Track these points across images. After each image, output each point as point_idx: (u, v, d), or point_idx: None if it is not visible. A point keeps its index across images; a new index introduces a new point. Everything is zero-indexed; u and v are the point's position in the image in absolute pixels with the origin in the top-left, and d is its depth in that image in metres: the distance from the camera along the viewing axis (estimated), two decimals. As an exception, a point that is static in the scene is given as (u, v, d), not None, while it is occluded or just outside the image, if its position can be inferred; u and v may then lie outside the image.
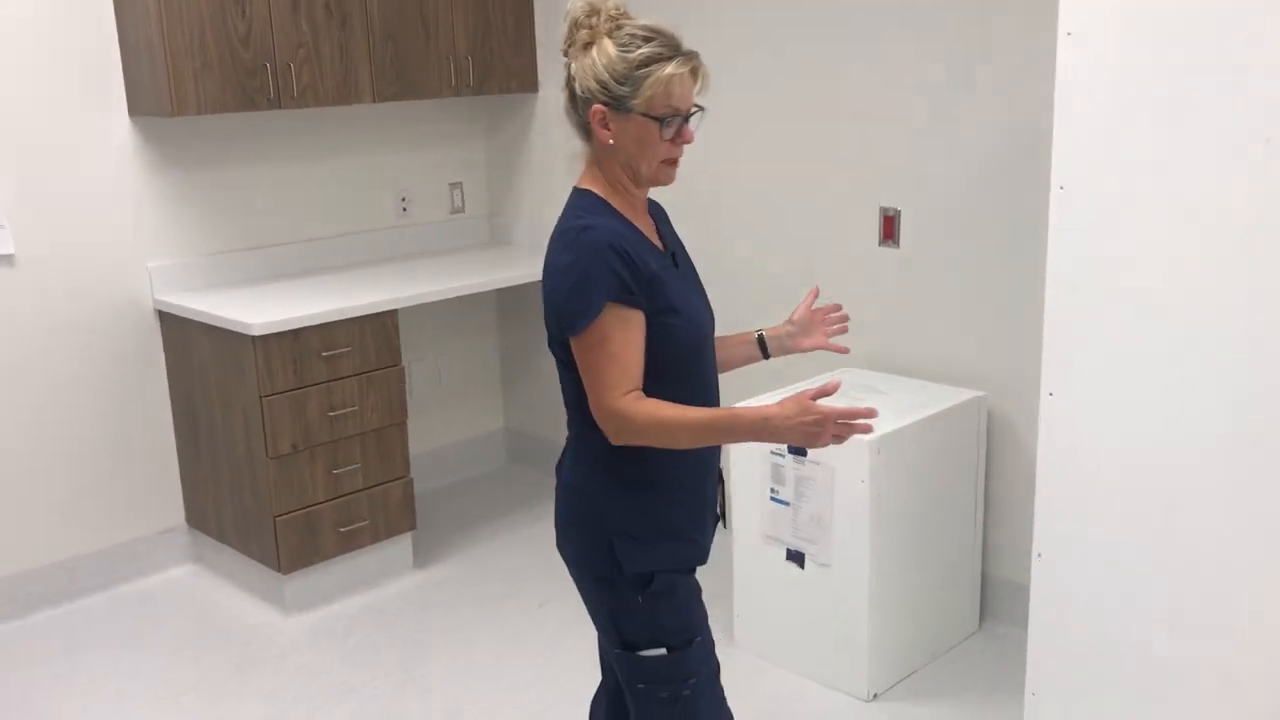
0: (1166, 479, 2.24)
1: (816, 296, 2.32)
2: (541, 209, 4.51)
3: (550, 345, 1.95)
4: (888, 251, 3.48)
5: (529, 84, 4.38)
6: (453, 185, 4.62)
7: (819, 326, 2.31)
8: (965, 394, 3.27)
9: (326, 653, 3.44)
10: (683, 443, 1.88)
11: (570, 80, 1.89)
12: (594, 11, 1.85)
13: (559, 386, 2.00)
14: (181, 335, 3.79)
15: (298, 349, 3.52)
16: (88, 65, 3.61)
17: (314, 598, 3.71)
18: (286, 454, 3.55)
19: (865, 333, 3.58)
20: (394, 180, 4.44)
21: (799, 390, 2.19)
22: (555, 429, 4.68)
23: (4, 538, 3.64)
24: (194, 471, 3.92)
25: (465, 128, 4.62)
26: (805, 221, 3.67)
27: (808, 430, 1.79)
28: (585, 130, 1.92)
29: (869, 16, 3.38)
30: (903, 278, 3.46)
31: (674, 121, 1.89)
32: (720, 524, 2.17)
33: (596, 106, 1.86)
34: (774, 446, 3.12)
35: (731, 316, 4.05)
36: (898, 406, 3.16)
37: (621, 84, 1.84)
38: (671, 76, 1.86)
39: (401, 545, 3.93)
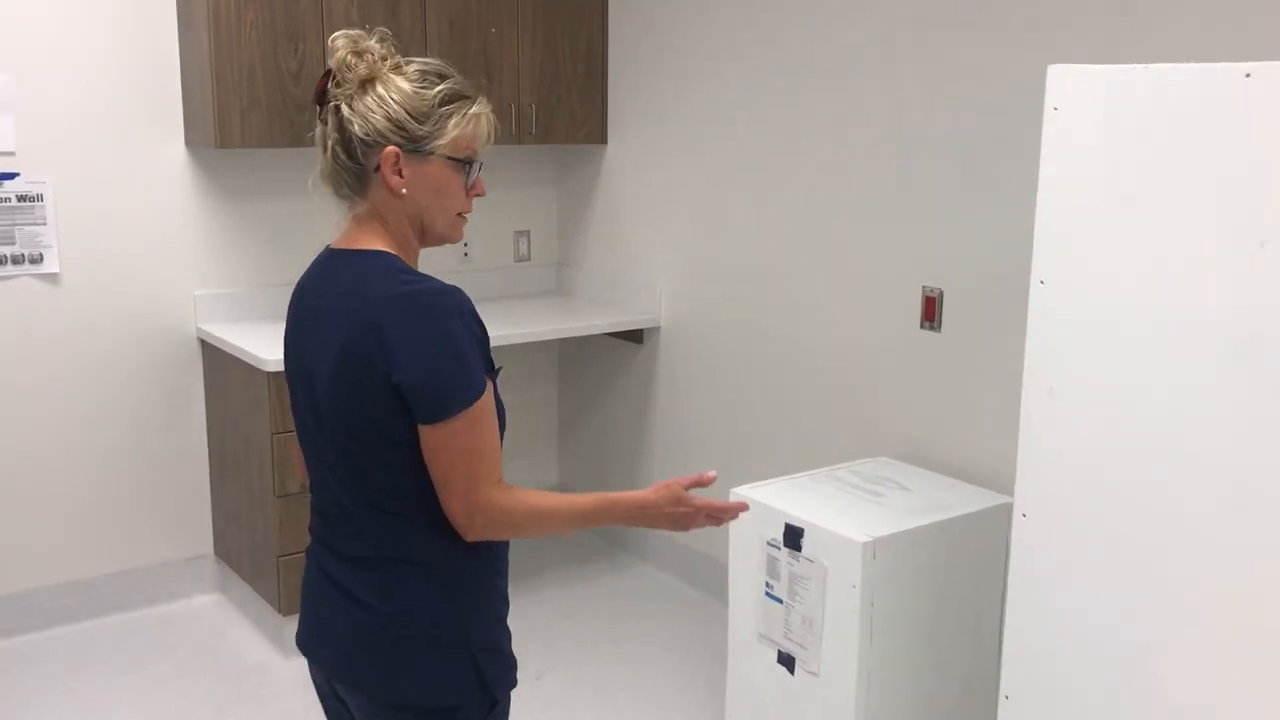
0: (1150, 623, 1.91)
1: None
2: (607, 261, 4.39)
3: (354, 439, 1.62)
4: (928, 335, 3.20)
5: (597, 135, 4.27)
6: (519, 233, 4.54)
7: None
8: (992, 498, 2.95)
9: (314, 702, 3.35)
10: (550, 533, 1.69)
11: (343, 124, 1.63)
12: (361, 51, 1.64)
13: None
14: (218, 365, 3.81)
15: (316, 389, 3.48)
16: (149, 93, 3.70)
17: (315, 643, 3.63)
18: (294, 494, 3.50)
19: (898, 421, 3.29)
20: (455, 224, 4.39)
21: (672, 478, 1.98)
22: (606, 486, 4.53)
23: (35, 551, 3.71)
24: (223, 502, 3.93)
25: (534, 175, 4.55)
26: (843, 297, 3.42)
27: (678, 518, 1.73)
28: (359, 181, 1.67)
29: (916, 88, 3.13)
30: (941, 364, 3.17)
31: (473, 168, 1.70)
32: None
33: (390, 149, 1.63)
34: (771, 537, 2.88)
35: (764, 396, 3.85)
36: (913, 506, 2.88)
37: (421, 123, 1.63)
38: (479, 116, 1.69)
39: (413, 597, 3.82)
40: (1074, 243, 1.95)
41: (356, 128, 1.63)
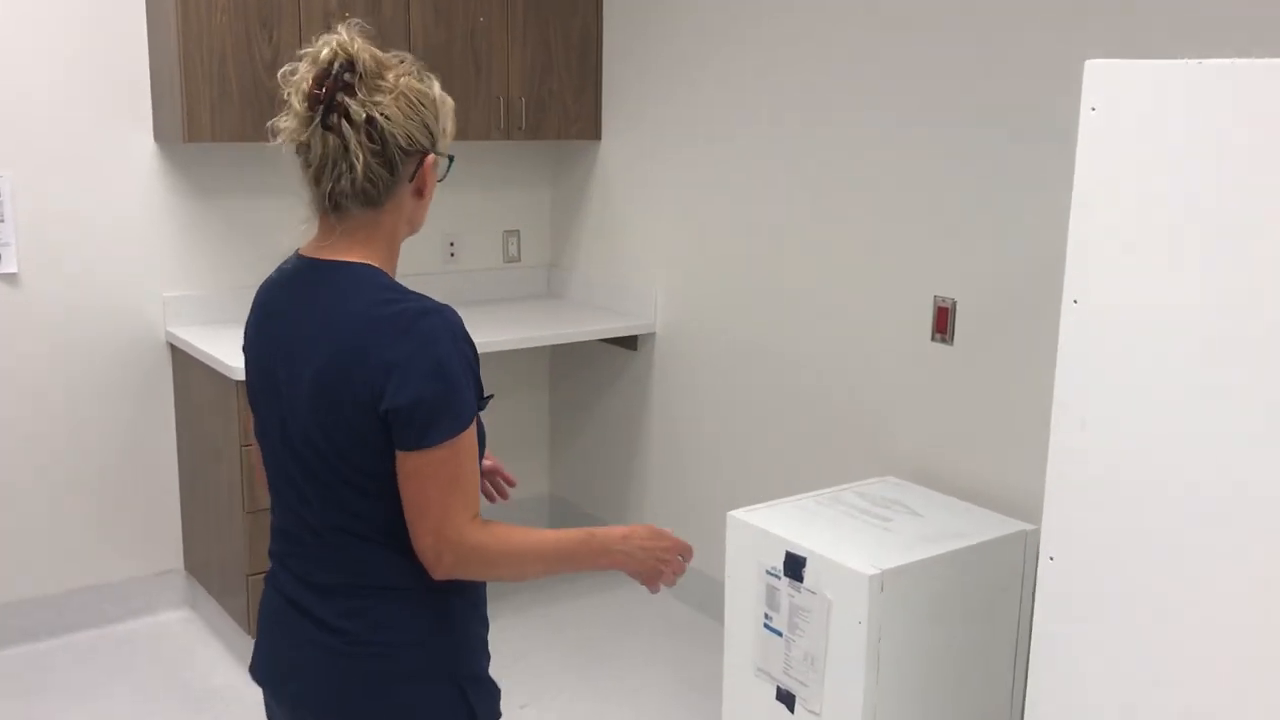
0: (1190, 685, 1.71)
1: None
2: (600, 263, 4.18)
3: (327, 461, 1.50)
4: (939, 348, 3.00)
5: (591, 131, 4.07)
6: (509, 233, 4.34)
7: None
8: (1008, 525, 2.75)
9: (282, 731, 3.16)
10: (527, 576, 1.57)
11: (381, 133, 1.48)
12: (368, 47, 1.50)
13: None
14: (188, 371, 3.61)
15: (288, 398, 3.27)
16: (116, 83, 3.49)
17: (286, 666, 3.43)
18: (264, 510, 3.30)
19: (907, 439, 3.09)
20: (442, 224, 4.19)
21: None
22: (603, 503, 4.33)
23: (-12, 565, 3.51)
24: (193, 514, 3.73)
25: (524, 173, 4.34)
26: (849, 306, 3.21)
27: (658, 557, 1.65)
28: (384, 193, 1.52)
29: (929, 83, 2.93)
30: (953, 379, 2.97)
31: (451, 161, 1.62)
32: None
33: (430, 156, 1.55)
34: (770, 565, 2.68)
35: (765, 409, 3.65)
36: (924, 533, 2.68)
37: (436, 122, 1.55)
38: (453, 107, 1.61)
39: (392, 618, 3.62)
40: (1112, 258, 1.74)
41: (399, 136, 1.50)
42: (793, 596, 2.63)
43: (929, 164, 2.97)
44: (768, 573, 2.69)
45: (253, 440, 1.76)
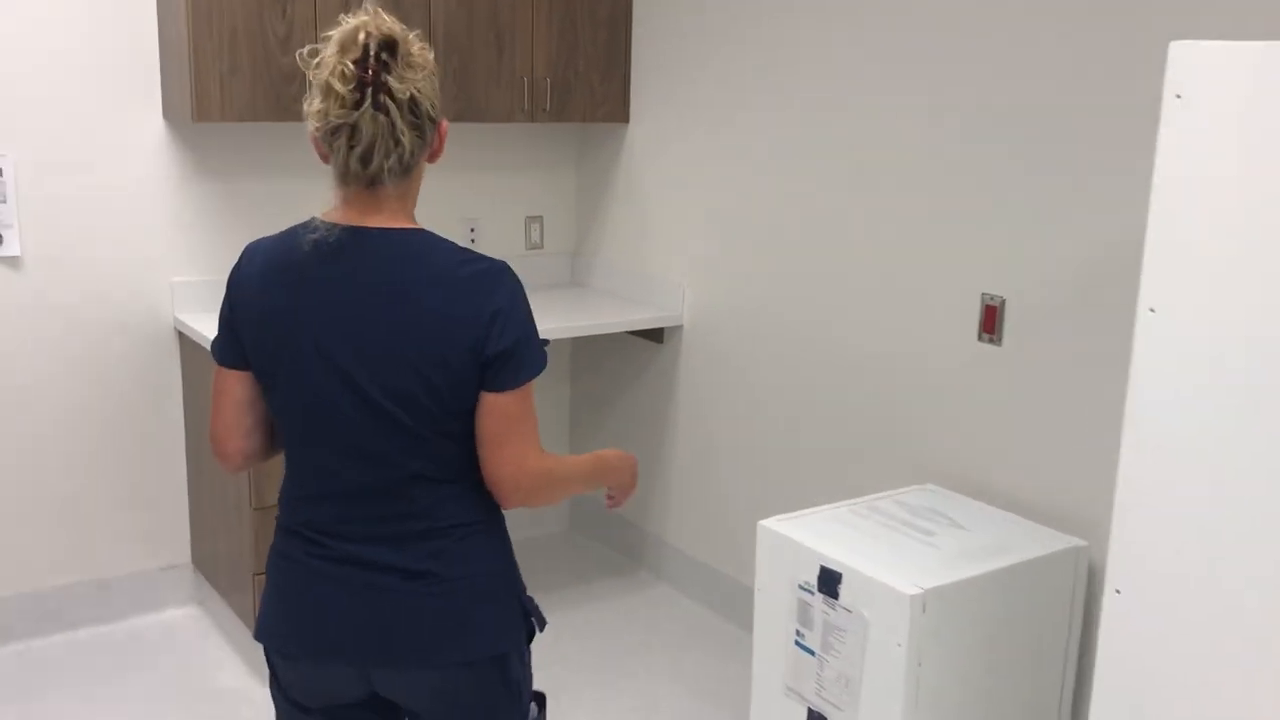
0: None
1: None
2: (626, 251, 4.01)
3: (418, 413, 1.62)
4: (987, 348, 2.82)
5: (619, 113, 3.89)
6: (531, 219, 4.17)
7: None
8: (1059, 540, 2.57)
9: (289, 738, 3.02)
10: (568, 494, 1.79)
11: (418, 105, 1.58)
12: (391, 38, 1.57)
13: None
14: (196, 359, 3.47)
15: (298, 391, 3.13)
16: (124, 59, 3.34)
17: (295, 669, 3.30)
18: (272, 505, 3.15)
19: (949, 444, 2.92)
20: (459, 208, 4.03)
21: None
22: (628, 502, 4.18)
23: (-10, 558, 3.39)
24: (201, 507, 3.60)
25: (548, 156, 4.17)
26: (890, 301, 3.03)
27: (632, 473, 1.92)
28: (417, 160, 1.63)
29: (979, 60, 2.74)
30: (1001, 381, 2.79)
31: None
32: None
33: (444, 121, 1.66)
34: (803, 580, 2.51)
35: (797, 409, 3.48)
36: (969, 548, 2.51)
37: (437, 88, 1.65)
38: None
39: (405, 619, 3.49)
40: (1196, 263, 1.56)
41: (431, 108, 1.60)
42: (827, 614, 2.47)
43: (978, 151, 2.78)
44: (800, 587, 2.53)
45: (245, 420, 1.74)
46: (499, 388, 1.62)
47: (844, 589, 2.42)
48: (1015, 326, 2.74)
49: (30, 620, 3.46)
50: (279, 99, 3.26)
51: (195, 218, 3.53)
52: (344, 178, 1.61)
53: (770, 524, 2.62)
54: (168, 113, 3.40)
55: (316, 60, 1.57)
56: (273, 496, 3.12)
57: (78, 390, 3.43)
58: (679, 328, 3.78)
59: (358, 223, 1.63)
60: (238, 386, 1.71)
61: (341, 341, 1.60)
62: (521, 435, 1.64)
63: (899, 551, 2.48)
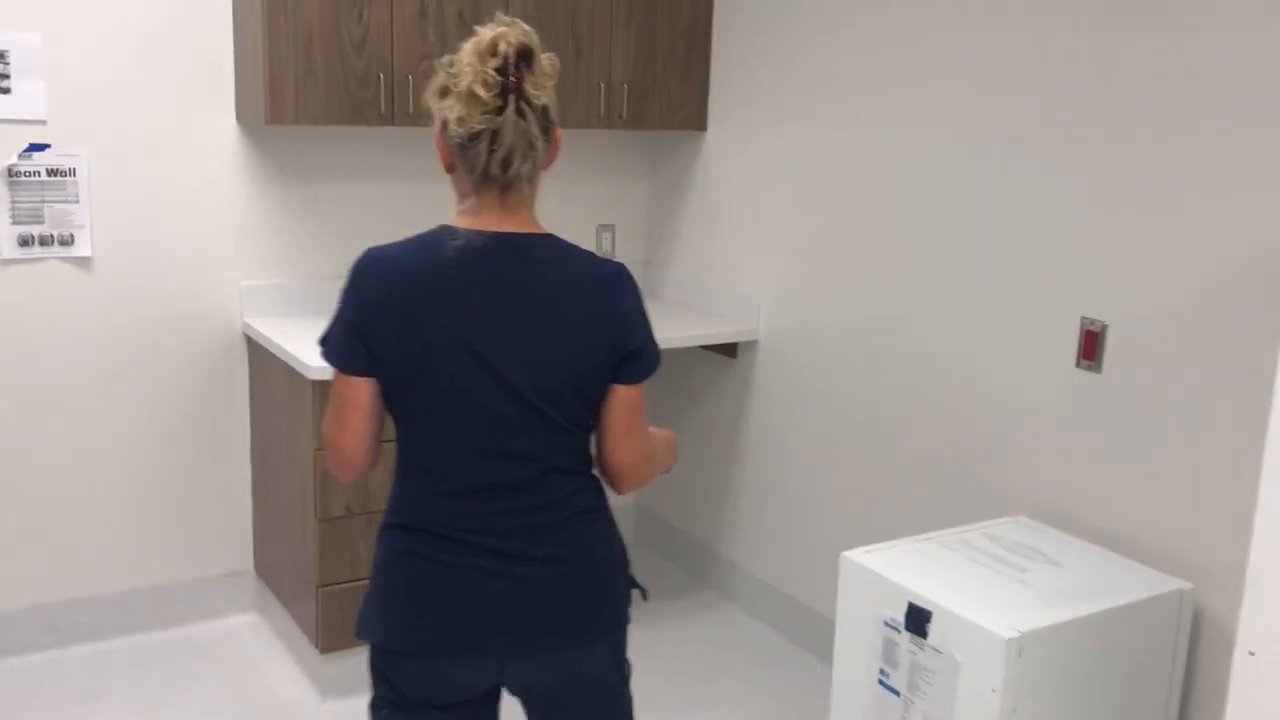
0: None
1: None
2: (700, 263, 3.91)
3: (563, 408, 1.72)
4: (1086, 376, 2.67)
5: (696, 121, 3.79)
6: (603, 227, 4.08)
7: None
8: (1163, 582, 2.43)
9: (348, 755, 2.96)
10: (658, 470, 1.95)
11: (546, 111, 1.68)
12: (529, 47, 1.68)
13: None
14: (263, 364, 3.42)
15: (366, 401, 3.06)
16: (199, 60, 3.30)
17: (355, 684, 3.23)
18: (339, 517, 3.10)
19: (1041, 475, 2.78)
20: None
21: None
22: (693, 519, 4.08)
23: (58, 562, 3.36)
24: (265, 515, 3.55)
25: (622, 164, 4.08)
26: (980, 323, 2.90)
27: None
28: (542, 162, 1.72)
29: (1084, 63, 2.60)
30: (1101, 411, 2.64)
31: None
32: None
33: (559, 128, 1.74)
34: (889, 616, 2.39)
35: (879, 432, 3.34)
36: (1066, 588, 2.37)
37: None
38: None
39: (467, 636, 3.41)
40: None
41: (555, 114, 1.70)
42: (914, 654, 2.35)
43: (1081, 162, 2.64)
44: (886, 624, 2.41)
45: (352, 428, 1.72)
46: (629, 381, 1.76)
47: (934, 628, 2.30)
48: (1118, 354, 2.60)
49: (92, 624, 3.43)
50: (353, 102, 3.20)
51: (266, 221, 3.48)
52: (483, 181, 1.68)
53: (854, 556, 2.50)
54: (241, 115, 3.35)
55: (454, 68, 1.66)
56: (338, 508, 3.07)
57: (143, 393, 3.39)
58: (754, 343, 3.67)
59: (500, 228, 1.70)
60: (365, 396, 1.71)
61: (494, 343, 1.67)
62: (642, 425, 1.81)
63: (991, 589, 2.35)
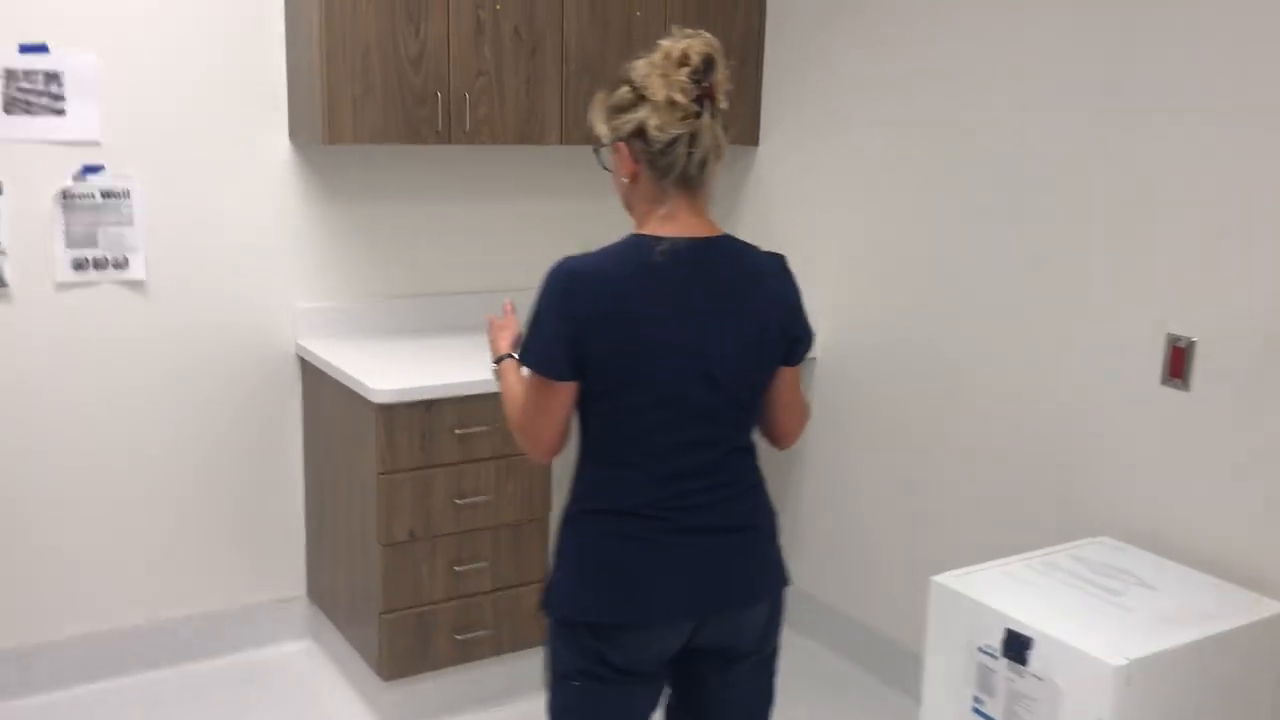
0: None
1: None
2: (748, 280, 3.85)
3: (753, 394, 1.93)
4: (1173, 394, 2.62)
5: (748, 135, 3.75)
6: (652, 242, 4.03)
7: None
8: (1265, 606, 2.37)
9: (415, 786, 2.90)
10: None
11: (725, 112, 1.84)
12: (714, 56, 1.84)
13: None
14: (318, 388, 3.37)
15: (428, 423, 3.01)
16: (252, 79, 3.25)
17: (418, 712, 3.17)
18: (402, 541, 3.04)
19: (1124, 494, 2.72)
20: (576, 231, 3.88)
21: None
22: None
23: (108, 590, 3.30)
24: (319, 539, 3.49)
25: (674, 178, 4.03)
26: (1055, 338, 2.85)
27: None
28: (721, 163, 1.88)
29: (1170, 65, 2.55)
30: (1190, 430, 2.59)
31: None
32: None
33: None
34: (984, 643, 2.34)
35: (945, 449, 3.23)
36: (1166, 612, 2.31)
37: None
38: None
39: (528, 661, 3.34)
40: None
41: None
42: (1012, 681, 2.29)
43: (1164, 167, 2.59)
44: (981, 650, 2.35)
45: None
46: (794, 362, 1.97)
47: (1034, 655, 2.24)
48: (1207, 371, 2.54)
49: (146, 653, 3.37)
50: (410, 120, 3.15)
51: (319, 241, 3.43)
52: (679, 183, 1.83)
53: (945, 580, 2.44)
54: (294, 134, 3.30)
55: (637, 81, 1.81)
56: (402, 532, 3.02)
57: (195, 418, 3.34)
58: (812, 359, 3.62)
59: (696, 233, 1.86)
60: (567, 397, 1.87)
61: (702, 341, 1.84)
62: (802, 395, 2.07)
63: (1089, 614, 2.30)
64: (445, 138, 3.21)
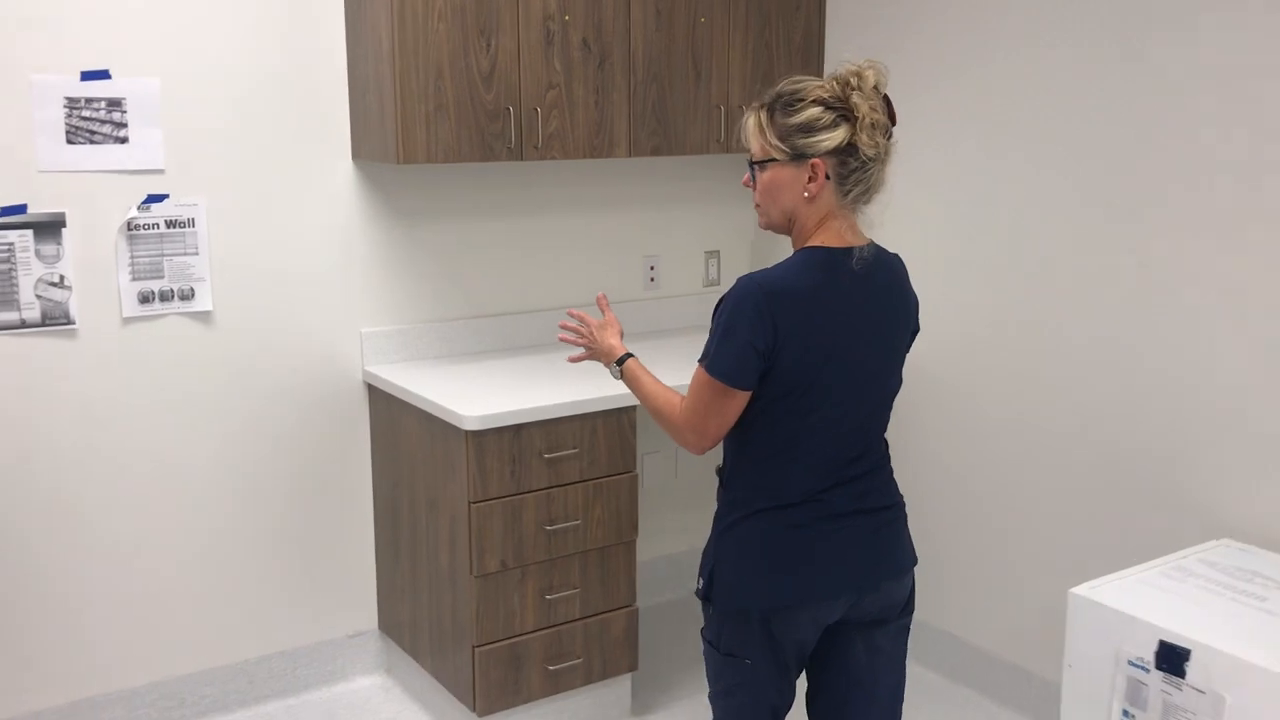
0: None
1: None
2: (812, 288, 3.78)
3: (893, 393, 2.10)
4: (1296, 391, 2.58)
5: (810, 141, 3.68)
6: (709, 254, 3.97)
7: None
8: None
9: (520, 824, 2.81)
10: None
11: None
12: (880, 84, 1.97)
13: None
14: (390, 416, 3.27)
15: (517, 448, 2.92)
16: (313, 101, 3.15)
17: (512, 745, 3.08)
18: (494, 572, 2.95)
19: (1243, 493, 2.67)
20: (643, 245, 3.83)
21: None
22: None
23: (181, 633, 3.18)
24: (391, 572, 3.38)
25: (725, 188, 3.97)
26: (1166, 333, 2.80)
27: None
28: None
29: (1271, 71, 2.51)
30: (1316, 428, 2.55)
31: None
32: None
33: None
34: (1134, 656, 2.28)
35: (1034, 450, 3.11)
36: (1316, 616, 2.27)
37: None
38: None
39: (619, 688, 3.26)
40: None
41: None
42: (1168, 694, 2.23)
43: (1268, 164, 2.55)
44: (1131, 664, 2.29)
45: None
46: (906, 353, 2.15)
47: (1193, 666, 2.19)
48: (1332, 367, 2.51)
49: (219, 696, 3.26)
50: (483, 137, 3.07)
51: (385, 264, 3.33)
52: (860, 197, 1.96)
53: (1085, 592, 2.39)
54: (358, 155, 3.20)
55: (839, 99, 1.90)
56: (494, 563, 2.93)
57: (264, 449, 3.23)
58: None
59: (858, 242, 1.99)
60: (744, 402, 1.99)
61: (869, 341, 2.00)
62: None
63: (1241, 621, 2.25)
64: (518, 154, 3.13)
